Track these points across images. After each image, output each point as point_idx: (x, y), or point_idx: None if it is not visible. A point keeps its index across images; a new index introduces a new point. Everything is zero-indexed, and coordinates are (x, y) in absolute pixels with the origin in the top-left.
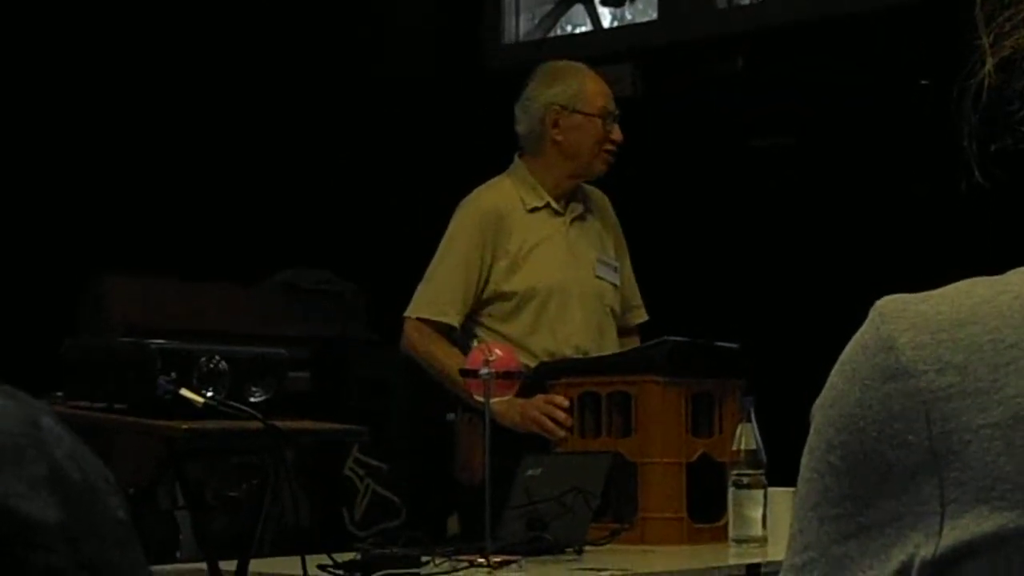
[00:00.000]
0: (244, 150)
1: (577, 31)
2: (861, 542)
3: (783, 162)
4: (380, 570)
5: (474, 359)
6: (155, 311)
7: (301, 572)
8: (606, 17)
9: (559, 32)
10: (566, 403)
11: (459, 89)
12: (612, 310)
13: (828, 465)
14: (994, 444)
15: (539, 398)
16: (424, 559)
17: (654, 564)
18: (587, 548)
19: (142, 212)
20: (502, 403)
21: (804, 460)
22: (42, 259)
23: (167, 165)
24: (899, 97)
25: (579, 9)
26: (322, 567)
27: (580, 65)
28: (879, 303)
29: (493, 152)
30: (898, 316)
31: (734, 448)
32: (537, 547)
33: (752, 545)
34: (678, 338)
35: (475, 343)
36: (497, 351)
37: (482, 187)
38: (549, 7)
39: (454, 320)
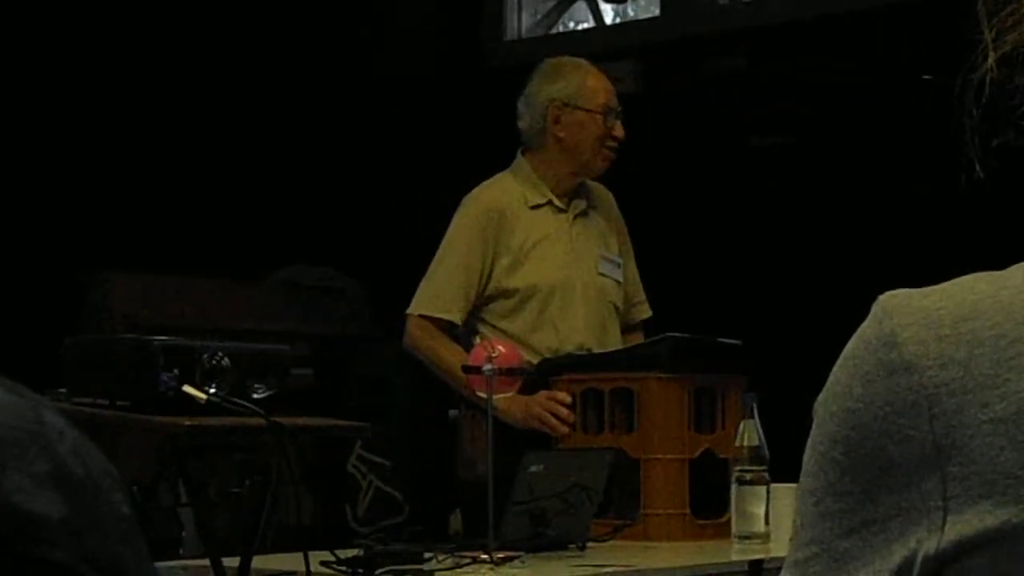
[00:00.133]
0: (246, 148)
1: (579, 28)
2: (864, 537)
3: (785, 159)
4: (383, 566)
5: (477, 356)
6: (157, 308)
7: (304, 568)
8: (608, 14)
9: (561, 29)
10: (568, 399)
11: (461, 86)
12: (615, 306)
13: (831, 460)
14: (997, 439)
15: (542, 394)
16: (427, 555)
17: (657, 560)
18: (590, 544)
19: (144, 210)
20: (505, 400)
21: (807, 456)
22: (44, 256)
23: (169, 163)
24: (900, 95)
25: (581, 6)
26: (325, 563)
27: (582, 61)
28: (882, 298)
29: (495, 149)
30: (901, 311)
31: (737, 444)
32: (540, 543)
33: (755, 541)
34: (680, 334)
35: (477, 340)
36: (500, 347)
37: (484, 184)
38: (551, 4)
39: (456, 317)
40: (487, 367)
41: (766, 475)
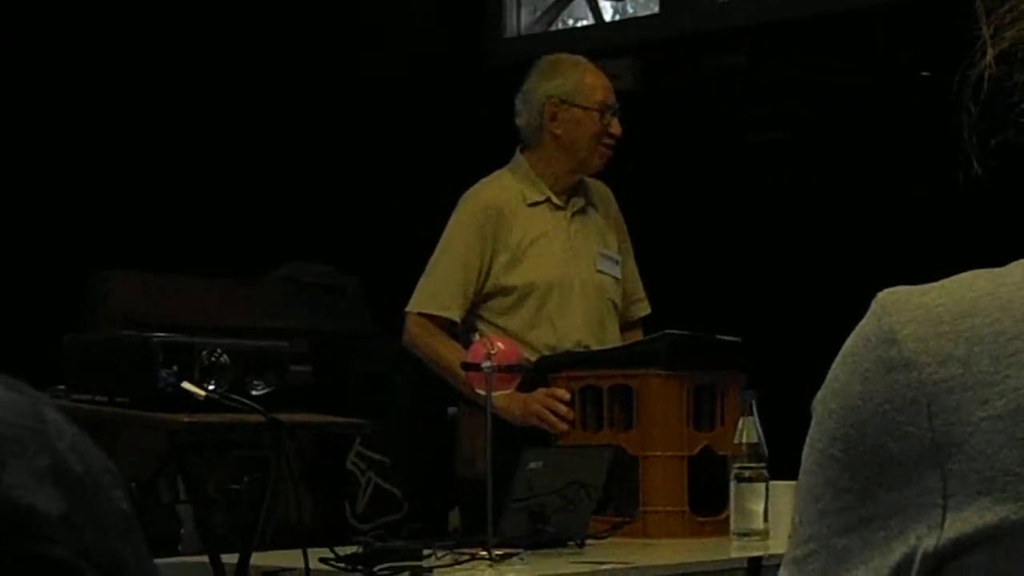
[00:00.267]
0: (245, 145)
1: (579, 25)
2: (863, 534)
3: (784, 157)
4: (382, 563)
5: (476, 353)
6: (156, 305)
7: (303, 565)
8: (607, 11)
9: (560, 26)
10: (567, 396)
11: (461, 83)
12: (614, 303)
13: (830, 458)
14: (996, 436)
15: (540, 391)
16: (426, 552)
17: (655, 557)
18: (588, 541)
19: (143, 207)
20: (504, 397)
21: (805, 453)
22: (44, 254)
23: (168, 160)
24: (900, 93)
25: (580, 3)
26: (324, 560)
27: (580, 58)
28: (880, 295)
29: (495, 146)
30: (899, 308)
31: (736, 441)
32: (538, 540)
33: (754, 538)
34: (679, 332)
35: (476, 337)
36: (499, 345)
37: (483, 181)
38: (551, 1)
39: (455, 315)
40: (486, 364)
41: (765, 472)
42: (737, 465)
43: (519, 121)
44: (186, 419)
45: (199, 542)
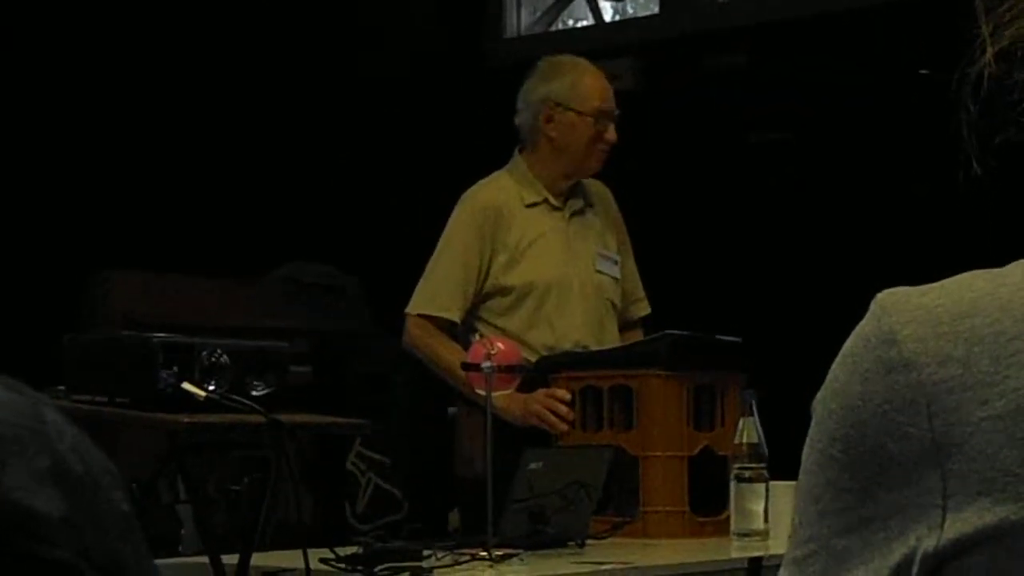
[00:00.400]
0: (245, 145)
1: (579, 25)
2: (863, 535)
3: (784, 157)
4: (382, 564)
5: (476, 353)
6: (156, 306)
7: (303, 566)
8: (607, 11)
9: (560, 26)
10: (568, 396)
11: (461, 83)
12: (613, 304)
13: (830, 458)
14: (996, 436)
15: (541, 392)
16: (426, 553)
17: (656, 558)
18: (589, 542)
19: (144, 207)
20: (504, 397)
21: (805, 453)
22: (44, 254)
23: (168, 160)
24: (900, 92)
25: (580, 3)
26: (324, 561)
27: (581, 61)
28: (880, 296)
29: (495, 147)
30: (899, 309)
31: (736, 442)
32: (539, 541)
33: (754, 539)
34: (680, 332)
35: (474, 338)
36: (499, 345)
37: (481, 182)
38: (551, 1)
39: (455, 316)
40: (486, 364)
41: (765, 472)
42: (737, 465)
43: (518, 120)
44: (186, 419)
45: (199, 542)
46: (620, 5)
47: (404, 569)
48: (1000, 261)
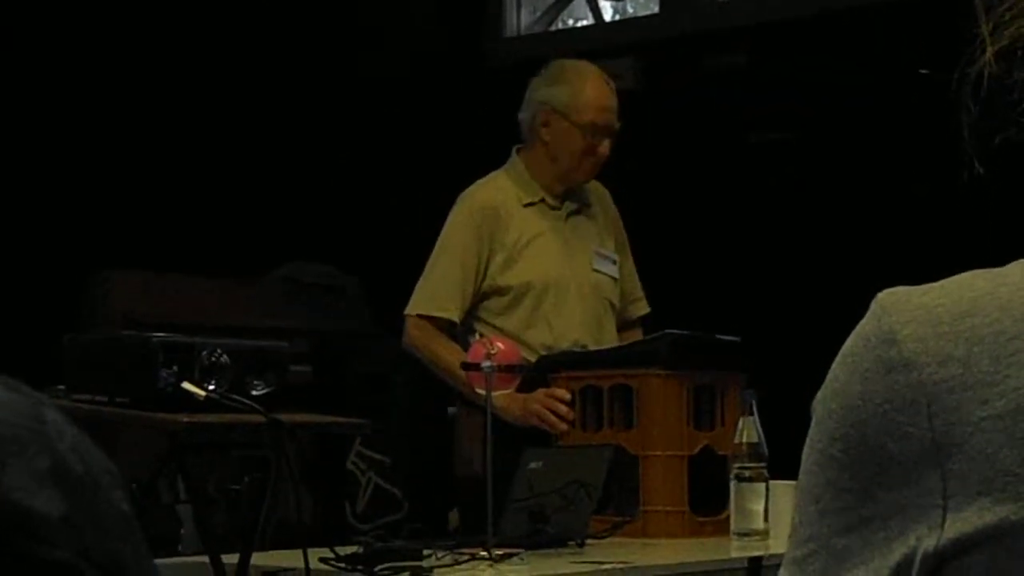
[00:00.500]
0: (245, 145)
1: (579, 24)
2: (863, 535)
3: (785, 156)
4: (382, 563)
5: (476, 352)
6: (156, 305)
7: (303, 565)
8: (607, 10)
9: (560, 26)
10: (568, 396)
11: (461, 83)
12: (611, 303)
13: (830, 458)
14: (996, 436)
15: (540, 392)
16: (426, 552)
17: (656, 557)
18: (589, 541)
19: (144, 207)
20: (504, 397)
21: (805, 453)
22: (44, 254)
23: (168, 160)
24: (901, 92)
25: (580, 3)
26: (324, 560)
27: (590, 71)
28: (880, 295)
29: (495, 146)
30: (899, 308)
31: (736, 441)
32: (539, 540)
33: (754, 538)
34: (680, 331)
35: (471, 338)
36: (499, 345)
37: (478, 182)
38: (551, 1)
39: (454, 316)
40: (486, 364)
41: (765, 472)
42: (737, 465)
43: (520, 116)
44: (186, 419)
45: (199, 542)
46: (620, 5)
47: (404, 569)
48: (1000, 261)
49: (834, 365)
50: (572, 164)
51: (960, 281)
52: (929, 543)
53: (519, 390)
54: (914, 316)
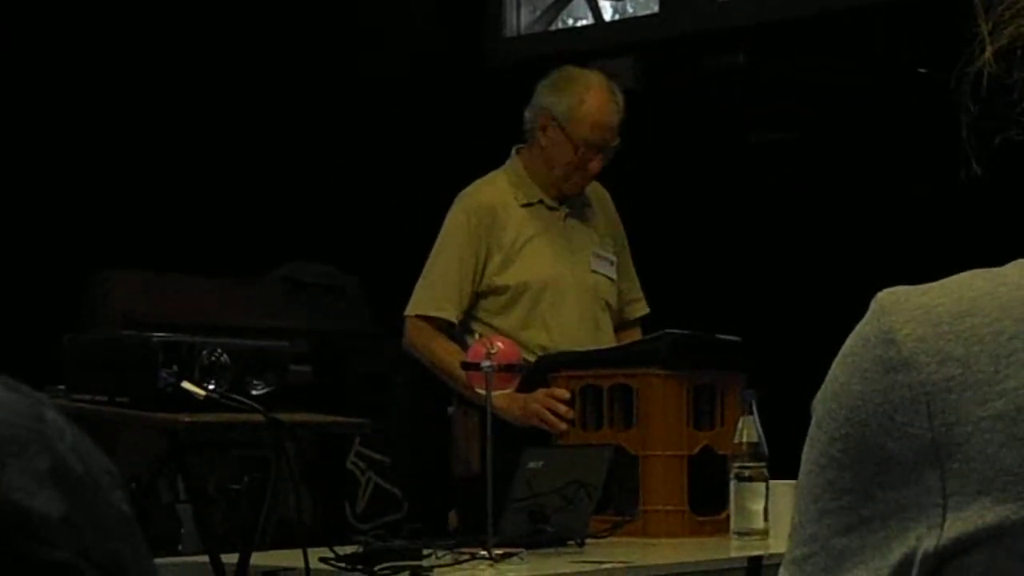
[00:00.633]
0: (245, 145)
1: (578, 24)
2: (863, 535)
3: (785, 156)
4: (382, 563)
5: (475, 352)
6: (156, 305)
7: (303, 565)
8: (607, 10)
9: (560, 25)
10: (567, 396)
11: (460, 82)
12: (608, 304)
13: (830, 458)
14: (996, 436)
15: (540, 392)
16: (426, 552)
17: (656, 557)
18: (589, 541)
19: (144, 207)
20: (504, 397)
21: (805, 453)
22: (44, 254)
23: (168, 160)
24: (900, 92)
25: (580, 3)
26: (324, 560)
27: (595, 84)
28: (880, 295)
29: (495, 146)
30: (899, 308)
31: (736, 441)
32: (539, 540)
33: (754, 538)
34: (680, 331)
35: (469, 338)
36: (498, 344)
37: (477, 182)
38: (550, 1)
39: (452, 316)
40: (486, 364)
41: (765, 472)
42: (737, 464)
43: (525, 114)
44: (186, 419)
45: (199, 542)
46: (620, 4)
47: (404, 568)
48: (1000, 261)
49: (834, 365)
50: (561, 174)
51: (960, 281)
52: (929, 543)
53: (519, 390)
54: (914, 316)
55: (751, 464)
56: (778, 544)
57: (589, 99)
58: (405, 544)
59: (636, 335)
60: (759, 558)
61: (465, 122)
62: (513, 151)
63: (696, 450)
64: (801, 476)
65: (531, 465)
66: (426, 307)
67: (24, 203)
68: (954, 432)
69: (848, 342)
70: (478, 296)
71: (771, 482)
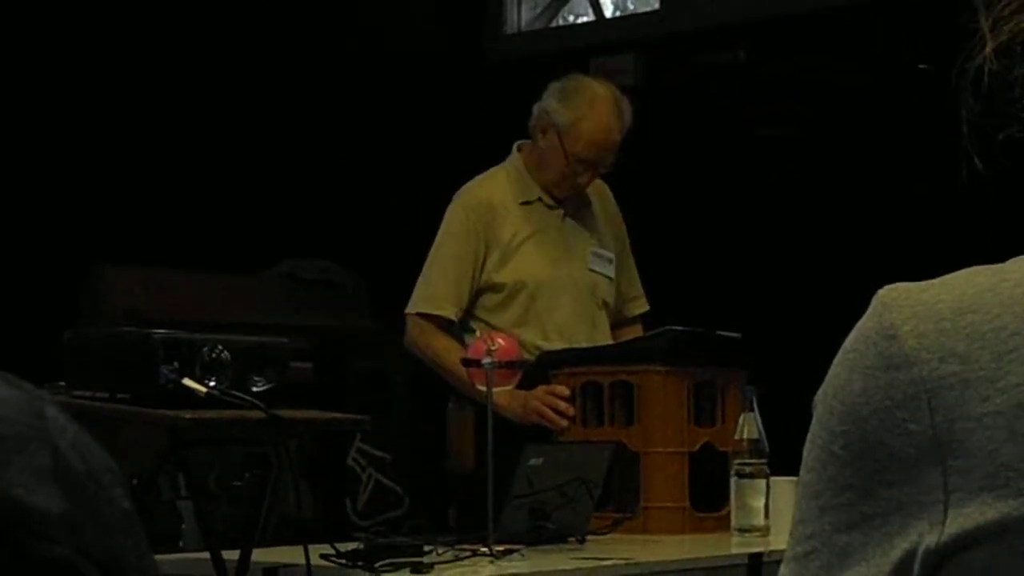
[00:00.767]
0: (245, 140)
1: (579, 21)
2: (864, 531)
3: (785, 153)
4: (382, 559)
5: (476, 349)
6: (156, 301)
7: (304, 561)
8: (608, 7)
9: (561, 22)
10: (567, 392)
11: (461, 79)
12: (605, 303)
13: (831, 454)
14: (997, 432)
15: (541, 389)
16: (426, 548)
17: (656, 553)
18: (589, 537)
19: (143, 202)
20: (504, 395)
21: (806, 450)
22: (44, 249)
23: (168, 156)
24: (900, 88)
25: None
26: (324, 556)
27: (602, 102)
28: (881, 292)
29: (495, 142)
30: (900, 305)
31: (736, 437)
32: (539, 536)
33: (754, 534)
34: (680, 328)
35: (468, 335)
36: (499, 341)
37: (477, 179)
38: None
39: (452, 313)
40: (486, 360)
41: (766, 468)
42: (738, 461)
43: (533, 109)
44: (187, 415)
45: (200, 538)
46: (620, 1)
47: (405, 565)
48: (1001, 257)
49: (835, 362)
50: (554, 179)
51: (961, 277)
52: (930, 540)
53: (519, 387)
54: (915, 312)
55: (752, 461)
56: (779, 541)
57: (591, 117)
58: (406, 540)
59: (637, 332)
60: (760, 555)
61: (466, 118)
62: (515, 147)
63: (697, 447)
64: (802, 473)
65: (532, 462)
66: (426, 305)
67: (24, 199)
68: (955, 428)
69: (849, 339)
70: (476, 293)
71: (772, 479)
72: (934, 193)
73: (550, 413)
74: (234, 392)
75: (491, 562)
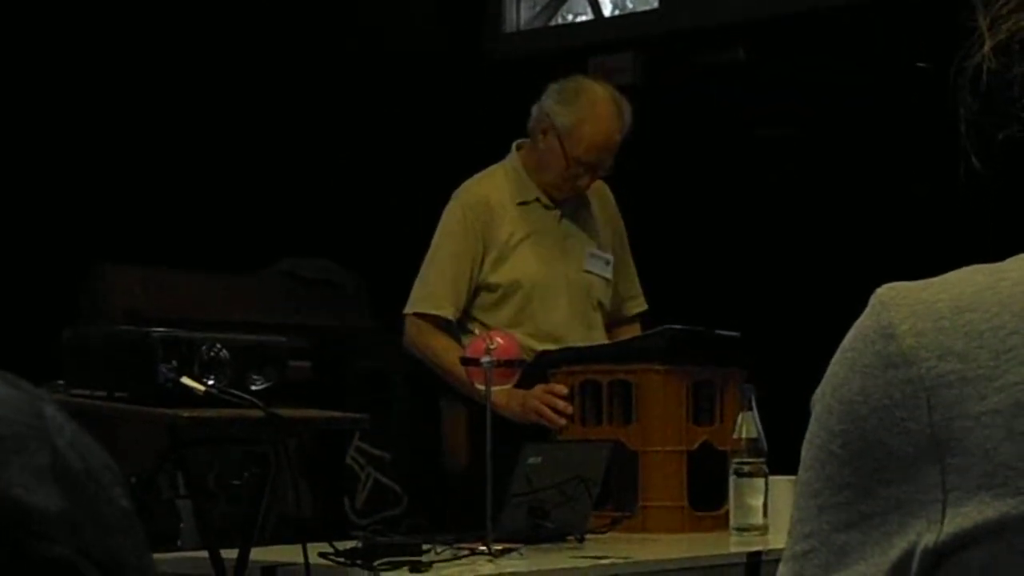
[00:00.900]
0: (245, 139)
1: (578, 19)
2: (862, 530)
3: (785, 152)
4: (381, 558)
5: (475, 347)
6: (156, 300)
7: (302, 560)
8: (607, 5)
9: (560, 21)
10: (565, 391)
11: (461, 77)
12: (600, 304)
13: (829, 453)
14: (996, 431)
15: (539, 387)
16: (425, 547)
17: (655, 552)
18: (588, 536)
19: (142, 201)
20: (503, 394)
21: (805, 449)
22: (43, 248)
23: (167, 154)
24: (900, 87)
25: None
26: (323, 555)
27: (602, 104)
28: (879, 291)
29: (495, 141)
30: (898, 304)
31: (735, 436)
32: (538, 535)
33: (753, 533)
34: (679, 327)
35: (464, 335)
36: (498, 339)
37: (475, 177)
38: None
39: (450, 314)
40: (486, 359)
41: (764, 467)
42: (736, 460)
43: (532, 110)
44: (186, 414)
45: (199, 537)
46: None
47: (403, 563)
48: (1000, 256)
49: (833, 360)
50: (550, 180)
51: (960, 276)
52: (929, 538)
53: (518, 386)
54: (913, 311)
55: (750, 460)
56: (777, 540)
57: (591, 120)
58: (404, 539)
59: (635, 331)
60: (758, 554)
61: (465, 117)
62: (514, 146)
63: (695, 446)
64: (800, 472)
65: (530, 461)
66: (424, 305)
67: (23, 198)
68: (954, 427)
69: (848, 337)
70: (474, 292)
71: (770, 478)
72: (934, 193)
73: (549, 412)
74: (233, 391)
75: (490, 561)
